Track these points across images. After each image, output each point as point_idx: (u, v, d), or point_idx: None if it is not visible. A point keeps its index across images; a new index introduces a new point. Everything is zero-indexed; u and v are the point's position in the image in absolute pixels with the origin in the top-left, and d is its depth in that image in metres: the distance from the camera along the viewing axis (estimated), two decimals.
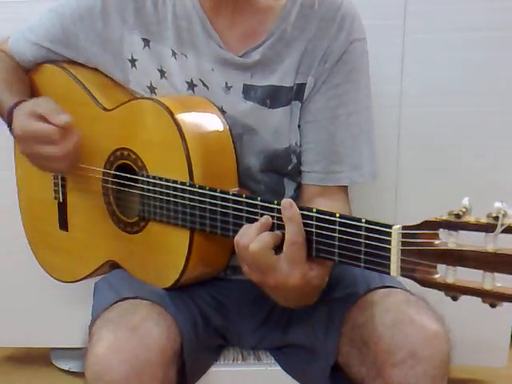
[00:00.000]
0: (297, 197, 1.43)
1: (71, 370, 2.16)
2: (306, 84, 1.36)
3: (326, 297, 1.27)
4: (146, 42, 1.40)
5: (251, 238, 1.09)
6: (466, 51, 1.77)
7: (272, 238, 1.09)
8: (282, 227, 1.09)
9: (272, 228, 1.11)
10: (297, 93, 1.37)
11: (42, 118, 1.31)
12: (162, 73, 1.40)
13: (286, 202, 1.08)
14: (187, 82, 1.38)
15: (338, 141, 1.36)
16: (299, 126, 1.39)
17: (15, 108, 1.38)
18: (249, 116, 1.36)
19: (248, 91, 1.36)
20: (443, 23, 1.77)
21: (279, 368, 1.44)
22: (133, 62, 1.42)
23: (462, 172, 1.83)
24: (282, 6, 1.36)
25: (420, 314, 1.17)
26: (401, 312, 1.17)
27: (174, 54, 1.39)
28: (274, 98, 1.36)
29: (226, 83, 1.37)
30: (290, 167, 1.40)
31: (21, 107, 1.37)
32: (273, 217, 1.11)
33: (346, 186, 1.41)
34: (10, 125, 1.39)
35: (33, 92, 1.54)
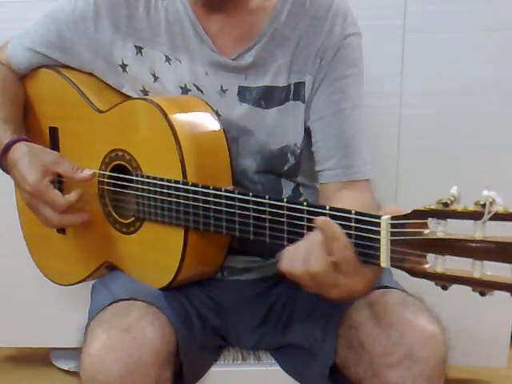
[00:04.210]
0: (294, 196, 1.43)
1: (71, 370, 2.17)
2: (303, 83, 1.36)
3: (324, 297, 1.27)
4: (139, 49, 1.40)
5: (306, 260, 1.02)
6: (465, 51, 1.77)
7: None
8: (274, 222, 1.10)
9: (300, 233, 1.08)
10: (295, 92, 1.36)
11: (54, 174, 1.33)
12: (155, 78, 1.39)
13: (321, 222, 1.00)
14: (181, 87, 1.38)
15: (346, 135, 1.35)
16: (307, 129, 1.38)
17: (14, 145, 1.36)
18: (244, 118, 1.36)
19: (243, 93, 1.36)
20: (443, 23, 1.77)
21: (279, 368, 1.44)
22: (123, 67, 1.42)
23: (462, 172, 1.83)
24: (273, 6, 1.36)
25: (416, 315, 1.17)
26: (397, 313, 1.17)
27: (167, 59, 1.38)
28: (268, 98, 1.36)
29: (221, 86, 1.36)
30: (286, 167, 1.40)
31: (25, 153, 1.34)
32: (265, 211, 1.11)
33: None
34: (1, 157, 1.37)
35: (28, 97, 1.55)
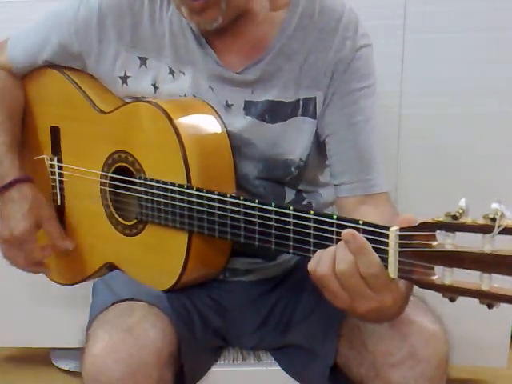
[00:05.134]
0: (297, 200, 1.42)
1: (71, 370, 2.18)
2: (313, 98, 1.33)
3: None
4: (143, 60, 1.38)
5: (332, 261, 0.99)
6: (465, 51, 1.78)
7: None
8: (280, 229, 1.10)
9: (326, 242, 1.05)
10: (304, 108, 1.34)
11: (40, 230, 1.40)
12: (156, 88, 1.38)
13: (347, 234, 0.97)
14: (180, 97, 1.36)
15: (360, 148, 1.32)
16: (322, 143, 1.37)
17: (17, 185, 1.40)
18: (247, 131, 1.33)
19: (249, 107, 1.34)
20: (443, 23, 1.77)
21: (279, 368, 1.44)
22: (125, 78, 1.40)
23: (462, 172, 1.84)
24: (281, 19, 1.32)
25: (419, 315, 1.17)
26: None
27: (171, 71, 1.37)
28: (272, 112, 1.33)
29: (227, 101, 1.34)
30: (288, 178, 1.38)
31: (23, 202, 1.39)
32: (270, 219, 1.11)
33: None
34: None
35: (31, 97, 1.54)
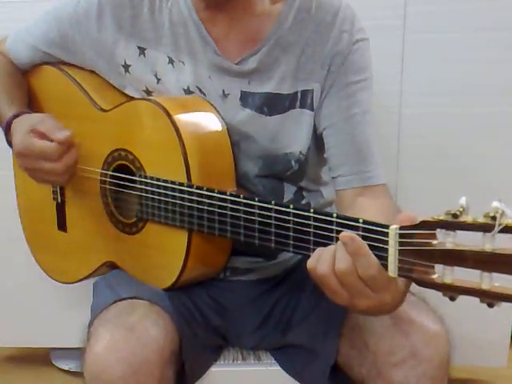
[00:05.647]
0: (296, 200, 1.42)
1: (71, 370, 2.17)
2: (311, 91, 1.34)
3: (326, 297, 1.27)
4: (142, 50, 1.39)
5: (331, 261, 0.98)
6: (466, 51, 1.77)
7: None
8: (280, 228, 1.10)
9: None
10: (302, 100, 1.35)
11: (43, 135, 1.31)
12: (158, 79, 1.38)
13: (345, 236, 0.96)
14: (184, 89, 1.37)
15: (358, 140, 1.33)
16: (319, 136, 1.37)
17: (14, 120, 1.38)
18: (246, 124, 1.35)
19: (246, 98, 1.35)
20: (443, 23, 1.77)
21: (279, 368, 1.44)
22: (126, 67, 1.40)
23: (462, 172, 1.83)
24: (279, 11, 1.34)
25: (420, 315, 1.17)
26: (401, 312, 1.15)
27: (171, 61, 1.37)
28: (271, 105, 1.34)
29: (223, 91, 1.35)
30: (289, 173, 1.38)
31: (21, 121, 1.37)
32: (270, 217, 1.11)
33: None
34: (7, 134, 1.40)
35: (31, 94, 1.54)
